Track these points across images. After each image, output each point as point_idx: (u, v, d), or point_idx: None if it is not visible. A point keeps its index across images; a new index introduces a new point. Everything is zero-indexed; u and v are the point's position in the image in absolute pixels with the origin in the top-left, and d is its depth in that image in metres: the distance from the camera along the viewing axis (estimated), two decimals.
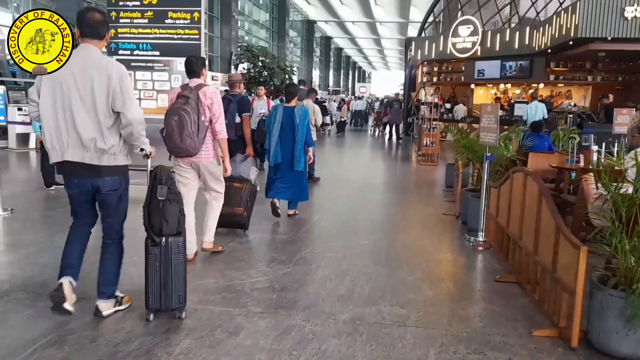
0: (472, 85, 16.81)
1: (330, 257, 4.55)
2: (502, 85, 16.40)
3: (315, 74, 53.74)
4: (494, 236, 5.00)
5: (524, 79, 14.91)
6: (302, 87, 9.42)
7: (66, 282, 3.01)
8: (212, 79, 15.98)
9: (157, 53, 6.98)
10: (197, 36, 6.99)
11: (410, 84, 21.25)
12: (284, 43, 41.58)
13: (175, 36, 7.04)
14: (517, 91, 16.07)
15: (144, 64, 7.25)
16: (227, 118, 5.08)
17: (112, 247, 3.20)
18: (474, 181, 6.38)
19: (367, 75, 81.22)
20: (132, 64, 7.24)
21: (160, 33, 7.07)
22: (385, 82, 70.84)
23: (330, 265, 4.30)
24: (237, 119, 5.75)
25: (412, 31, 37.17)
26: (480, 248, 5.02)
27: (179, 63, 7.11)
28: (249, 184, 5.07)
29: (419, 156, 12.49)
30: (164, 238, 3.05)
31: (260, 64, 19.97)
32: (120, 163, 3.08)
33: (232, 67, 21.37)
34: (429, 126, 11.89)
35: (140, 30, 7.13)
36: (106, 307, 3.14)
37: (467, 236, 5.31)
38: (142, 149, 3.17)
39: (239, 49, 22.01)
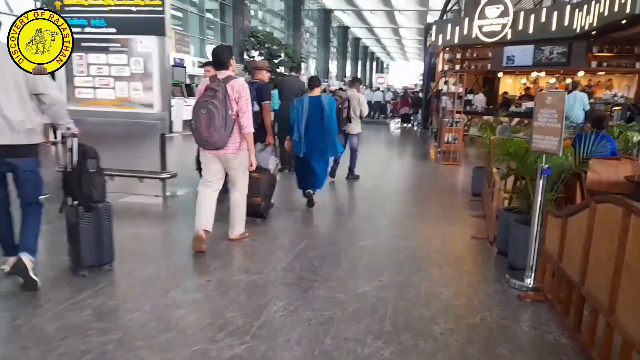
0: (500, 74, 15.01)
1: (309, 320, 3.06)
2: (534, 74, 14.56)
3: (332, 65, 52.23)
4: (551, 284, 3.45)
5: (560, 66, 13.08)
6: (293, 73, 7.83)
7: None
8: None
9: (113, 30, 5.57)
10: (160, 8, 5.49)
11: (430, 73, 19.54)
12: (300, 33, 40.28)
13: (133, 8, 5.57)
14: (552, 80, 14.23)
15: (97, 44, 5.79)
16: None
17: (35, 211, 3.50)
18: (510, 192, 4.82)
19: (385, 66, 79.08)
20: (83, 44, 5.80)
21: (115, 5, 5.64)
22: (404, 73, 68.69)
23: (306, 338, 2.81)
24: (256, 107, 5.49)
25: (432, 20, 35.18)
26: (530, 300, 3.48)
27: (140, 42, 5.63)
28: (267, 173, 5.02)
29: (439, 153, 10.92)
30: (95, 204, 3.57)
31: (266, 51, 18.34)
32: (41, 141, 3.46)
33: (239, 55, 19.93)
34: (451, 120, 10.27)
35: (91, 1, 5.65)
36: (30, 263, 3.33)
37: (509, 278, 3.78)
38: (68, 128, 3.44)
39: (243, 35, 20.49)
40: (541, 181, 3.55)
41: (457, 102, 10.03)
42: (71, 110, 6.35)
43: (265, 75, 5.89)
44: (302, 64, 35.41)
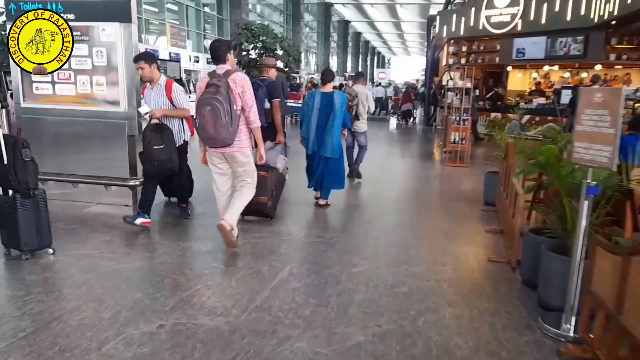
0: (509, 68, 14.16)
1: None
2: (546, 67, 13.68)
3: (333, 60, 51.37)
4: (603, 335, 2.65)
5: (576, 59, 12.22)
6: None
7: None
8: None
9: (72, 16, 4.75)
10: None
11: (433, 68, 18.69)
12: (299, 27, 39.52)
13: None
14: (566, 74, 13.38)
15: None
16: (257, 104, 4.59)
17: None
18: (530, 202, 4.03)
19: (386, 61, 78.11)
20: None
21: None
22: (406, 67, 67.75)
23: None
24: (267, 105, 5.40)
25: (434, 13, 34.21)
26: (573, 356, 2.68)
27: (102, 30, 4.82)
28: (275, 172, 4.87)
29: (444, 153, 10.12)
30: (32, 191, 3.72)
31: (260, 44, 17.40)
32: None
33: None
34: (457, 118, 9.45)
35: None
36: None
37: (543, 324, 2.99)
38: None
39: (236, 27, 19.59)
40: (586, 203, 2.75)
41: (465, 98, 9.20)
42: (28, 107, 5.65)
43: (273, 73, 5.68)
44: (302, 59, 34.60)
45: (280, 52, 17.99)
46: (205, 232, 4.59)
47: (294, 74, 18.60)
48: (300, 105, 16.71)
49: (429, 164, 9.96)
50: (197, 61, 24.58)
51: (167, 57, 21.33)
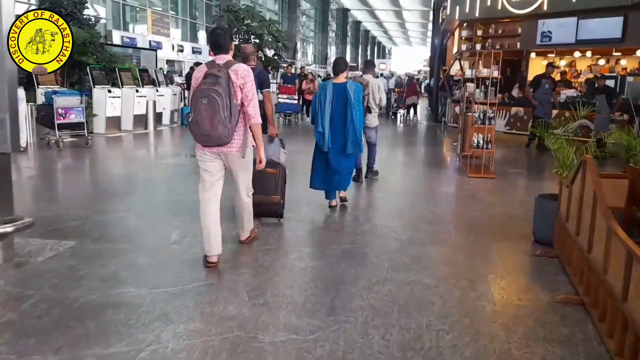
0: (533, 54, 12.28)
1: None
2: (577, 54, 11.82)
3: (331, 50, 49.80)
4: None
5: (612, 43, 10.37)
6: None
7: None
8: (210, 54, 12.08)
9: None
10: None
11: (441, 56, 16.77)
12: (296, 15, 38.00)
13: None
14: (601, 62, 11.52)
15: None
16: None
17: None
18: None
19: (387, 51, 76.18)
20: None
21: None
22: (407, 58, 65.92)
23: None
24: (260, 96, 4.70)
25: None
26: None
27: None
28: (281, 168, 4.66)
29: (463, 158, 8.28)
30: None
31: (245, 29, 15.39)
32: None
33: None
34: (481, 115, 7.59)
35: None
36: None
37: None
38: None
39: (217, 10, 17.63)
40: None
41: (490, 91, 7.34)
42: None
43: (256, 61, 5.27)
44: (298, 49, 32.72)
45: (268, 38, 16.01)
46: (93, 327, 2.74)
47: (285, 64, 16.62)
48: (295, 102, 14.93)
49: (445, 173, 8.11)
50: (182, 50, 22.73)
51: (147, 46, 19.48)
